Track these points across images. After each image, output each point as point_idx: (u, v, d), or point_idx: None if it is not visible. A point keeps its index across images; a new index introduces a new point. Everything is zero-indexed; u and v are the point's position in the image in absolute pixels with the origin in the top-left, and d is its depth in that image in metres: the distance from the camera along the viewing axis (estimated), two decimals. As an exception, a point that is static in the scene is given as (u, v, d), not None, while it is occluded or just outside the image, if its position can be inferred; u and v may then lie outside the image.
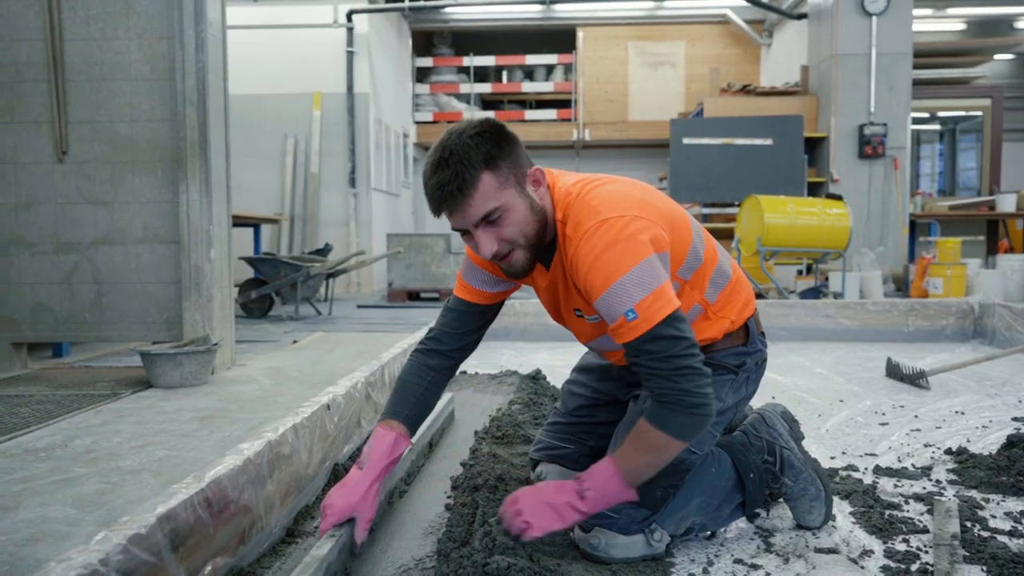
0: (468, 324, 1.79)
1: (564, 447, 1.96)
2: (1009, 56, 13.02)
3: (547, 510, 1.51)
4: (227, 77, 4.03)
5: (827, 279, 7.53)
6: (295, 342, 5.09)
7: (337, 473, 2.04)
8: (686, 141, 8.39)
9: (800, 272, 8.33)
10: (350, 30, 9.29)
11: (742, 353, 1.77)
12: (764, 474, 1.79)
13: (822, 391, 3.47)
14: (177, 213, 3.84)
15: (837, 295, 7.07)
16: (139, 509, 1.22)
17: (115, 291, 3.91)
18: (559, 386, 3.41)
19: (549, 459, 1.96)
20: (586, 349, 2.09)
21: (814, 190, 8.78)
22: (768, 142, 8.25)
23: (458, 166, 1.46)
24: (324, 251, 7.66)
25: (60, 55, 3.82)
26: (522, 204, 1.52)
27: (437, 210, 1.52)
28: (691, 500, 1.67)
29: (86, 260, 3.91)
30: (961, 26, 11.82)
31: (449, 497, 1.96)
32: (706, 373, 1.47)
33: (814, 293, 6.94)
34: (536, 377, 3.48)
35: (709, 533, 1.76)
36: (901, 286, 8.29)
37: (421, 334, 3.62)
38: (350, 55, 9.32)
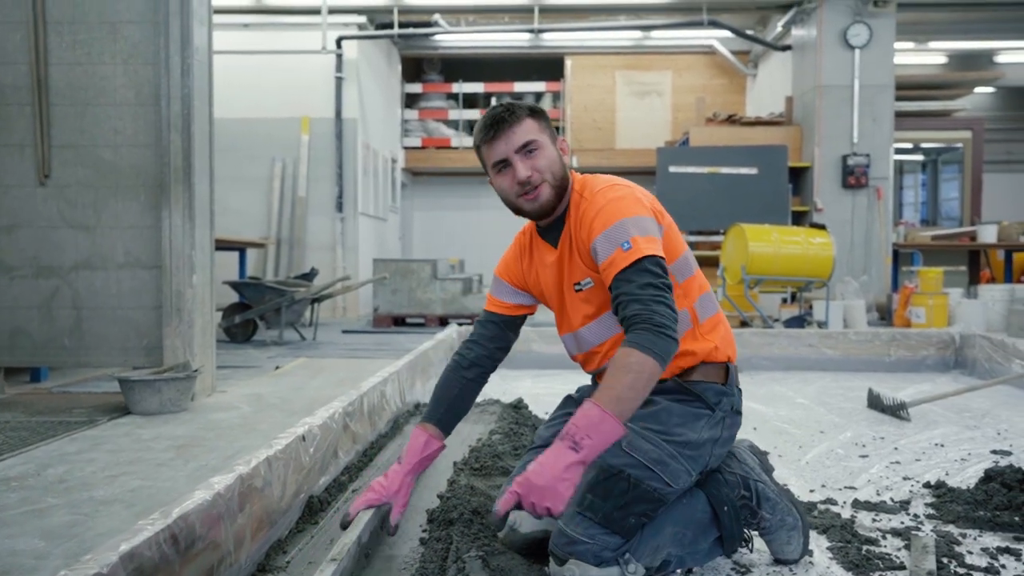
0: (493, 332, 2.01)
1: None
2: (989, 89, 13.24)
3: (556, 484, 1.48)
4: (213, 103, 4.04)
5: (811, 307, 7.57)
6: (278, 368, 5.06)
7: (312, 506, 2.02)
8: (672, 169, 8.47)
9: (785, 300, 8.37)
10: (339, 56, 9.35)
11: (720, 392, 1.81)
12: (741, 510, 1.78)
13: (803, 422, 3.47)
14: (159, 238, 3.82)
15: (821, 324, 7.11)
16: (102, 547, 1.20)
17: (95, 316, 3.88)
18: (541, 415, 3.41)
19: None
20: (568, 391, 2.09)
21: (798, 219, 8.85)
22: (753, 171, 8.33)
23: (510, 105, 1.82)
24: (310, 275, 7.63)
25: (45, 79, 3.82)
26: (553, 150, 1.83)
27: (486, 134, 1.80)
28: (664, 528, 1.66)
29: (66, 285, 3.88)
30: (942, 59, 12.02)
31: (424, 531, 1.94)
32: (675, 310, 1.64)
33: (798, 322, 6.97)
34: (518, 406, 3.47)
35: (688, 569, 1.75)
36: (884, 315, 8.34)
37: (403, 362, 3.62)
38: (339, 81, 9.37)
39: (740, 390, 1.89)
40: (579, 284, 1.84)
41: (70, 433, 3.10)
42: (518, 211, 1.86)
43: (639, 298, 1.61)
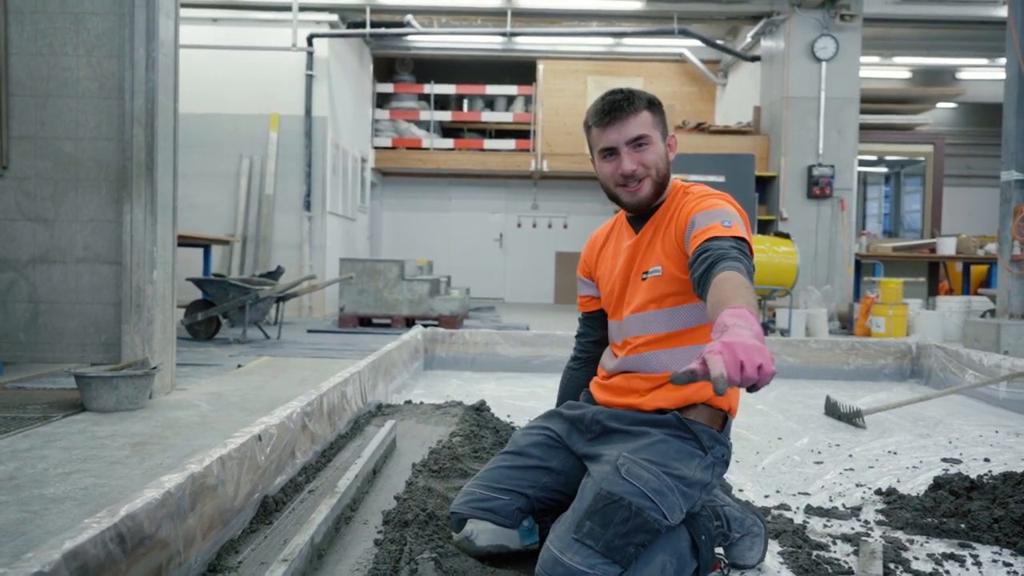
0: (580, 328, 2.15)
1: (497, 497, 1.79)
2: (951, 105, 13.52)
3: (757, 348, 1.25)
4: (178, 97, 3.99)
5: (775, 315, 7.67)
6: (240, 366, 5.01)
7: (266, 506, 2.00)
8: (641, 176, 8.51)
9: (749, 308, 8.45)
10: (310, 54, 9.28)
11: (715, 438, 1.78)
12: (716, 538, 1.78)
13: (761, 428, 3.52)
14: (120, 233, 3.76)
15: (784, 332, 7.21)
16: (45, 545, 1.18)
17: (52, 311, 3.81)
18: (503, 418, 3.41)
19: (480, 512, 1.77)
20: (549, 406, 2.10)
21: (764, 228, 8.97)
22: (720, 179, 8.41)
23: (629, 94, 1.83)
24: (276, 274, 7.55)
25: (4, 69, 3.74)
26: (662, 147, 1.85)
27: (600, 119, 1.82)
28: (655, 558, 1.60)
29: (23, 278, 3.80)
30: (906, 74, 12.26)
31: (379, 532, 1.94)
32: (750, 264, 1.63)
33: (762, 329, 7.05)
34: (480, 409, 3.47)
35: None
36: (846, 324, 8.48)
37: (366, 362, 3.60)
38: (309, 78, 9.31)
39: (731, 444, 1.86)
40: (647, 272, 1.86)
41: (23, 429, 3.04)
42: (614, 199, 1.89)
43: (730, 254, 1.57)
